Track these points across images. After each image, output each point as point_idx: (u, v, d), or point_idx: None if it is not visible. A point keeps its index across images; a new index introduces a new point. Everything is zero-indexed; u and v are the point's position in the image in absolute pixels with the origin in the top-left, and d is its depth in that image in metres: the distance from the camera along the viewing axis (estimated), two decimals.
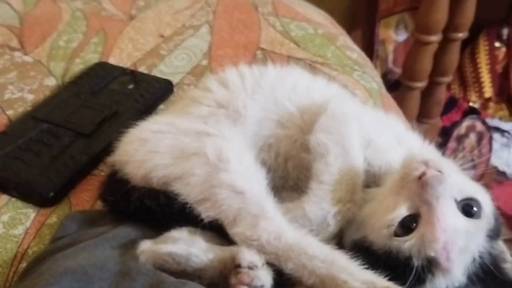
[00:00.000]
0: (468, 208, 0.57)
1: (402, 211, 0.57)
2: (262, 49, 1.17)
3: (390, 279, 0.55)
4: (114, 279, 0.57)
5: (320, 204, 0.62)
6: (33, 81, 1.03)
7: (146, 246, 0.60)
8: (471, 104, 1.89)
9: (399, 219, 0.57)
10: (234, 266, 0.56)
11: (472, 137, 1.69)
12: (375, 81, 1.14)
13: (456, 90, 1.93)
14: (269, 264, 0.58)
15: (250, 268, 0.56)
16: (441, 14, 1.37)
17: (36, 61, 1.09)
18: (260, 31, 1.23)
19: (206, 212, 0.61)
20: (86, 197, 0.80)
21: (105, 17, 1.25)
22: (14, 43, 1.13)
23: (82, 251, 0.61)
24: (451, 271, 0.55)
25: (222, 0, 1.34)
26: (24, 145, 0.85)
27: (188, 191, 0.63)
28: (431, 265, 0.55)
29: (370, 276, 0.54)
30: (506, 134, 1.85)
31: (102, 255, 0.60)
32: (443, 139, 1.68)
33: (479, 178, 1.76)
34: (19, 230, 0.74)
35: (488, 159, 1.74)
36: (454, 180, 0.58)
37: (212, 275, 0.59)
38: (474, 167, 1.75)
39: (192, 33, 1.21)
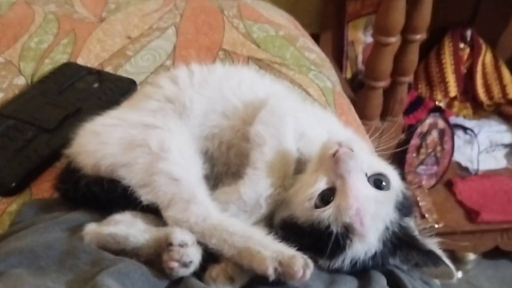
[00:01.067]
0: (377, 182, 0.65)
1: (321, 185, 0.65)
2: (224, 50, 1.23)
3: (314, 250, 0.63)
4: (60, 257, 0.63)
5: (254, 187, 0.69)
6: (4, 80, 1.09)
7: (91, 228, 0.67)
8: (437, 103, 1.96)
9: (318, 192, 0.64)
10: (166, 245, 0.62)
11: (435, 134, 1.77)
12: (330, 80, 1.21)
13: (423, 90, 2.00)
14: (198, 242, 0.64)
15: (181, 246, 0.62)
16: (398, 17, 1.44)
17: (7, 61, 1.15)
18: (224, 32, 1.29)
19: (145, 196, 0.68)
20: (46, 187, 0.86)
21: (77, 19, 1.31)
22: None
23: (33, 233, 0.68)
24: (366, 236, 0.63)
25: (190, 4, 1.40)
26: None
27: (131, 177, 0.70)
28: (348, 232, 0.62)
29: (281, 246, 0.61)
30: (469, 131, 1.92)
31: (50, 237, 0.66)
32: (407, 136, 1.75)
33: (442, 173, 1.85)
34: None
35: (451, 155, 1.81)
36: (365, 158, 0.66)
37: (148, 253, 0.65)
38: (437, 162, 1.83)
39: (159, 34, 1.27)
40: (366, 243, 0.63)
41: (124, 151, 0.72)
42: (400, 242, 0.66)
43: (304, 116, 0.79)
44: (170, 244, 0.62)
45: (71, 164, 0.77)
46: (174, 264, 0.61)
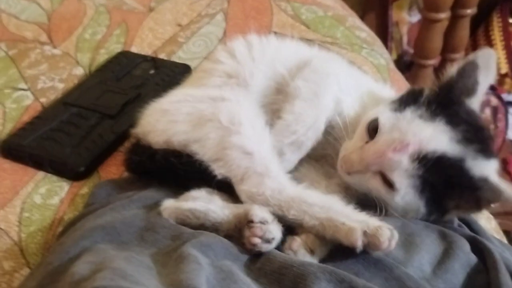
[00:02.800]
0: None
1: None
2: (275, 32, 1.23)
3: None
4: (139, 233, 0.64)
5: (277, 136, 0.70)
6: (63, 71, 1.12)
7: (169, 204, 0.67)
8: None
9: None
10: (247, 222, 0.62)
11: (487, 112, 1.72)
12: (383, 58, 1.19)
13: None
14: (276, 214, 0.64)
15: (262, 223, 0.62)
16: None
17: (64, 53, 1.17)
18: (272, 16, 1.29)
19: (218, 170, 0.68)
20: (113, 170, 0.88)
21: (126, 10, 1.33)
22: (44, 38, 1.22)
23: (111, 211, 0.69)
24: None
25: None
26: (56, 127, 0.94)
27: (204, 152, 0.70)
28: None
29: (364, 217, 0.60)
30: None
31: (128, 214, 0.67)
32: None
33: (496, 152, 1.79)
34: (55, 200, 0.82)
35: (505, 133, 1.76)
36: None
37: (227, 228, 0.65)
38: None
39: (208, 21, 1.28)
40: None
41: (194, 127, 0.72)
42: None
43: (348, 79, 0.77)
44: (251, 221, 0.62)
45: (140, 142, 0.78)
46: (257, 240, 0.61)
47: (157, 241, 0.62)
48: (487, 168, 0.64)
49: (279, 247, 0.62)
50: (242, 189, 0.67)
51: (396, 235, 0.59)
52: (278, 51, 0.82)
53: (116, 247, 0.61)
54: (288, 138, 0.70)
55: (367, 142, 0.66)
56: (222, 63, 0.82)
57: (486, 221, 0.84)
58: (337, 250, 0.61)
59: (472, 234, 0.67)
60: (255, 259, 0.60)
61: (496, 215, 1.68)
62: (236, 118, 0.70)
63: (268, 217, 0.63)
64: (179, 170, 0.71)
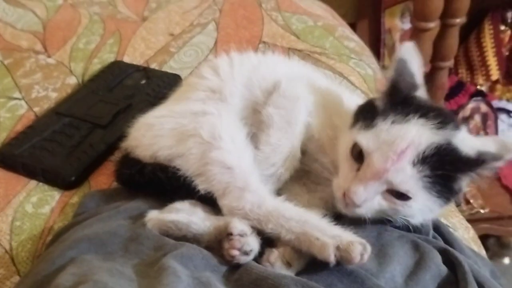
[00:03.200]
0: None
1: None
2: (264, 42, 1.25)
3: None
4: (125, 243, 0.66)
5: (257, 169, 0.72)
6: (56, 80, 1.14)
7: (153, 215, 0.70)
8: (478, 87, 1.93)
9: None
10: (227, 234, 0.65)
11: (477, 119, 1.74)
12: (371, 68, 1.22)
13: (464, 74, 1.98)
14: (255, 228, 0.66)
15: (241, 235, 0.64)
16: (437, 1, 1.43)
17: (58, 63, 1.20)
18: (263, 25, 1.32)
19: (201, 185, 0.71)
20: (104, 180, 0.90)
21: (120, 19, 1.36)
22: (39, 47, 1.25)
23: (98, 222, 0.72)
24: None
25: None
26: (49, 136, 0.96)
27: (187, 167, 0.73)
28: None
29: (339, 231, 0.63)
30: None
31: (115, 224, 0.70)
32: None
33: None
34: (46, 209, 0.85)
35: None
36: None
37: (208, 239, 0.68)
38: None
39: (200, 30, 1.30)
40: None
41: (178, 143, 0.75)
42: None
43: (317, 99, 0.78)
44: (231, 234, 0.64)
45: (129, 155, 0.80)
46: (236, 252, 0.63)
47: (140, 252, 0.65)
48: (466, 137, 0.67)
49: (258, 259, 0.65)
50: (223, 203, 0.70)
51: (368, 248, 0.61)
52: (256, 70, 0.83)
53: (101, 258, 0.63)
54: (268, 170, 0.72)
55: (358, 170, 0.66)
56: (206, 79, 0.84)
57: (464, 231, 0.86)
58: (312, 262, 0.64)
59: (444, 246, 0.69)
60: (233, 271, 0.62)
61: (485, 220, 1.72)
62: (217, 133, 0.72)
63: (247, 230, 0.66)
64: (166, 184, 0.74)
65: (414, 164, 0.63)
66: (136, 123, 0.83)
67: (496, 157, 0.64)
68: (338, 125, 0.74)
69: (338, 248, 0.60)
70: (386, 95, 0.68)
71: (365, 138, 0.65)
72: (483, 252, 0.86)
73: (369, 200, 0.65)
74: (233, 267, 0.63)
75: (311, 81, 0.82)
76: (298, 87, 0.78)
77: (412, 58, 0.69)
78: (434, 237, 0.73)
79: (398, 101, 0.66)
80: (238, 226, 0.65)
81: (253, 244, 0.65)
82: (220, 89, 0.81)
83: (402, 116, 0.65)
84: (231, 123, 0.76)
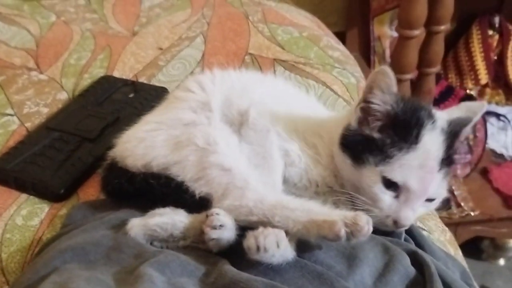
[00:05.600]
0: None
1: None
2: (251, 54, 1.29)
3: None
4: (107, 252, 0.69)
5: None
6: (48, 96, 1.18)
7: (135, 222, 0.73)
8: (468, 91, 1.96)
9: None
10: (205, 216, 0.69)
11: None
12: (354, 76, 1.25)
13: (453, 79, 2.00)
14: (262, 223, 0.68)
15: (217, 214, 0.68)
16: (421, 9, 1.46)
17: (50, 79, 1.24)
18: (250, 37, 1.35)
19: (200, 189, 0.73)
20: (92, 192, 0.93)
21: (111, 35, 1.39)
22: (31, 64, 1.28)
23: (82, 233, 0.74)
24: None
25: (217, 12, 1.47)
26: (39, 151, 0.99)
27: (184, 173, 0.75)
28: None
29: (340, 211, 0.66)
30: (502, 118, 1.91)
31: (97, 235, 0.73)
32: None
33: (476, 162, 1.85)
34: (35, 221, 0.88)
35: (484, 142, 1.81)
36: None
37: (194, 234, 0.71)
38: (470, 151, 1.83)
39: (188, 44, 1.34)
40: None
41: (172, 151, 0.78)
42: None
43: (288, 124, 0.80)
44: (206, 216, 0.68)
45: (117, 164, 0.83)
46: (207, 229, 0.67)
47: (121, 260, 0.68)
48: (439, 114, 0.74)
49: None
50: (225, 204, 0.71)
51: (370, 220, 0.64)
52: (233, 89, 0.85)
53: (83, 267, 0.66)
54: (255, 217, 0.71)
55: (397, 196, 0.71)
56: (193, 93, 0.86)
57: (440, 233, 0.89)
58: (284, 264, 0.66)
59: (414, 248, 0.72)
60: (209, 274, 0.65)
61: (476, 223, 1.74)
62: (211, 139, 0.75)
63: (220, 211, 0.69)
64: (157, 191, 0.76)
65: (439, 172, 0.70)
66: (124, 135, 0.85)
67: (465, 122, 0.73)
68: (316, 143, 0.77)
69: (346, 224, 0.63)
70: (388, 127, 0.71)
71: (393, 171, 0.70)
72: (459, 253, 0.89)
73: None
74: (208, 272, 0.66)
75: (281, 102, 0.84)
76: (266, 117, 0.79)
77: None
78: (405, 239, 0.76)
79: (403, 128, 0.70)
80: (215, 209, 0.69)
81: (224, 220, 0.68)
82: (208, 102, 0.83)
83: (407, 135, 0.70)
84: (223, 130, 0.78)
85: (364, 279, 0.66)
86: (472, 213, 1.68)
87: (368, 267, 0.67)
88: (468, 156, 1.80)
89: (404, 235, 0.76)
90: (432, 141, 0.69)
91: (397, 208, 0.71)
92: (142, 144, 0.81)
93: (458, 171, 1.82)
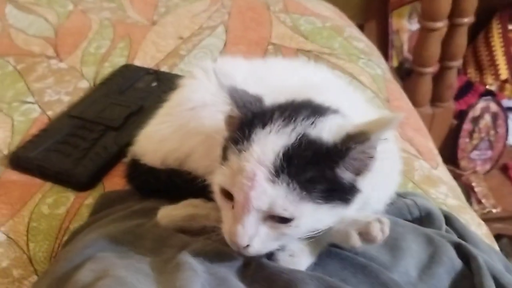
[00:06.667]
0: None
1: None
2: (273, 44, 1.26)
3: None
4: (139, 242, 0.67)
5: None
6: (68, 84, 1.16)
7: (167, 212, 0.70)
8: (487, 87, 1.93)
9: None
10: None
11: (487, 118, 1.74)
12: (380, 68, 1.23)
13: (473, 74, 1.98)
14: None
15: None
16: (445, 1, 1.43)
17: (70, 67, 1.22)
18: (271, 27, 1.33)
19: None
20: (117, 181, 0.91)
21: (130, 24, 1.37)
22: (50, 52, 1.26)
23: (113, 222, 0.73)
24: None
25: (236, 2, 1.44)
26: (62, 139, 0.97)
27: (196, 166, 0.73)
28: None
29: (354, 217, 0.61)
30: None
31: (129, 224, 0.71)
32: (459, 121, 1.74)
33: (497, 158, 1.82)
34: (61, 210, 0.86)
35: (505, 138, 1.78)
36: None
37: None
38: (491, 147, 1.81)
39: (209, 33, 1.31)
40: None
41: (182, 142, 0.75)
42: None
43: None
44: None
45: (139, 160, 0.80)
46: None
47: (155, 249, 0.66)
48: (334, 122, 0.59)
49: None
50: None
51: (386, 221, 0.60)
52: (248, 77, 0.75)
53: (117, 255, 0.64)
54: None
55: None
56: (198, 79, 0.80)
57: (477, 227, 0.86)
58: (325, 257, 0.64)
59: (458, 240, 0.69)
60: (247, 267, 0.63)
61: (497, 220, 1.71)
62: (220, 124, 0.68)
63: None
64: (183, 188, 0.73)
65: (273, 181, 0.55)
66: (140, 132, 0.82)
67: (360, 139, 0.54)
68: None
69: (359, 233, 0.60)
70: (233, 127, 0.62)
71: (222, 175, 0.59)
72: (496, 248, 0.86)
73: (255, 236, 0.57)
74: (246, 264, 0.63)
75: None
76: None
77: (229, 77, 0.64)
78: (447, 231, 0.73)
79: (243, 125, 0.60)
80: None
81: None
82: (213, 88, 0.74)
83: (246, 138, 0.58)
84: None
85: (408, 271, 0.63)
86: (493, 210, 1.65)
87: (412, 259, 0.64)
88: (489, 152, 1.78)
89: (445, 226, 0.74)
90: (263, 145, 0.56)
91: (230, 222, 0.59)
92: (152, 140, 0.79)
93: (478, 167, 1.80)
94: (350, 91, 0.78)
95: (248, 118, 0.60)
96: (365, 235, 0.59)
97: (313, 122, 0.57)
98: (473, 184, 1.72)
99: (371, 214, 0.61)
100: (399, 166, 0.74)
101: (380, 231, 0.59)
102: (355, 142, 0.55)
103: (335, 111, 0.61)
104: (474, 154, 1.78)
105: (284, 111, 0.59)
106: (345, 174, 0.57)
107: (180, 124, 0.76)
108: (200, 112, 0.75)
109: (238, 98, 0.60)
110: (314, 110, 0.59)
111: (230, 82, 0.61)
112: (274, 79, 0.74)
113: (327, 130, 0.57)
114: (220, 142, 0.68)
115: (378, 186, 0.63)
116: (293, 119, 0.57)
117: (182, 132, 0.75)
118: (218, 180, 0.60)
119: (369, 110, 0.74)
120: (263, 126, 0.58)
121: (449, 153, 1.73)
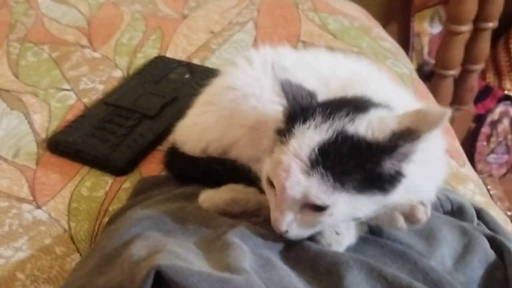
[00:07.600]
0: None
1: None
2: (303, 41, 1.29)
3: None
4: (183, 223, 0.69)
5: None
6: (103, 73, 1.19)
7: (209, 196, 0.73)
8: (506, 92, 1.95)
9: None
10: None
11: (506, 123, 1.76)
12: (407, 68, 1.25)
13: (491, 79, 1.99)
14: None
15: None
16: (471, 5, 1.45)
17: (104, 57, 1.24)
18: (300, 25, 1.35)
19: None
20: (153, 167, 0.94)
21: (161, 17, 1.40)
22: (84, 41, 1.29)
23: (156, 203, 0.75)
24: None
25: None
26: (99, 125, 1.00)
27: (241, 154, 0.75)
28: None
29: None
30: None
31: (172, 206, 0.73)
32: (477, 125, 1.76)
33: None
34: (101, 193, 0.88)
35: None
36: None
37: (265, 213, 0.69)
38: (508, 151, 1.83)
39: (239, 29, 1.34)
40: None
41: (225, 132, 0.77)
42: None
43: None
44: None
45: (179, 148, 0.83)
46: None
47: (199, 230, 0.68)
48: (376, 118, 0.61)
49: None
50: None
51: (428, 204, 0.63)
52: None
53: (163, 235, 0.66)
54: None
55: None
56: (240, 67, 0.81)
57: (503, 224, 0.88)
58: (364, 244, 0.66)
59: (490, 232, 0.72)
60: (290, 249, 0.65)
61: None
62: (261, 117, 0.72)
63: None
64: (224, 175, 0.75)
65: (308, 173, 0.58)
66: (181, 122, 0.84)
67: (410, 137, 0.56)
68: None
69: (404, 215, 0.62)
70: (285, 118, 0.64)
71: (268, 165, 0.63)
72: None
73: (293, 222, 0.61)
74: (289, 246, 0.66)
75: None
76: None
77: (288, 73, 0.65)
78: (478, 225, 0.75)
79: (289, 119, 0.63)
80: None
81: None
82: (257, 77, 0.78)
83: (289, 131, 0.61)
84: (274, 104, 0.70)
85: (444, 260, 0.66)
86: (508, 213, 1.67)
87: (447, 248, 0.67)
88: (505, 156, 1.80)
89: (476, 220, 0.76)
90: (301, 140, 0.59)
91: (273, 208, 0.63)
92: (195, 129, 0.81)
93: (494, 171, 1.81)
94: (394, 84, 0.81)
95: (295, 113, 0.62)
96: (410, 217, 0.62)
97: (352, 119, 0.60)
98: (489, 187, 1.74)
99: (413, 198, 0.63)
100: (444, 156, 0.76)
101: (424, 213, 0.61)
102: (405, 140, 0.56)
103: (378, 105, 0.63)
104: (491, 157, 1.80)
105: (326, 108, 0.61)
106: (387, 166, 0.58)
107: (223, 114, 0.78)
108: (243, 100, 0.76)
109: (290, 92, 0.63)
110: (355, 107, 0.62)
111: (286, 75, 0.64)
112: (323, 69, 0.76)
113: (366, 126, 0.59)
114: (265, 132, 0.71)
115: (428, 175, 0.67)
116: (332, 116, 0.60)
117: (226, 122, 0.77)
118: (265, 169, 0.63)
119: (415, 102, 0.76)
120: (304, 121, 0.61)
121: (466, 155, 1.74)
